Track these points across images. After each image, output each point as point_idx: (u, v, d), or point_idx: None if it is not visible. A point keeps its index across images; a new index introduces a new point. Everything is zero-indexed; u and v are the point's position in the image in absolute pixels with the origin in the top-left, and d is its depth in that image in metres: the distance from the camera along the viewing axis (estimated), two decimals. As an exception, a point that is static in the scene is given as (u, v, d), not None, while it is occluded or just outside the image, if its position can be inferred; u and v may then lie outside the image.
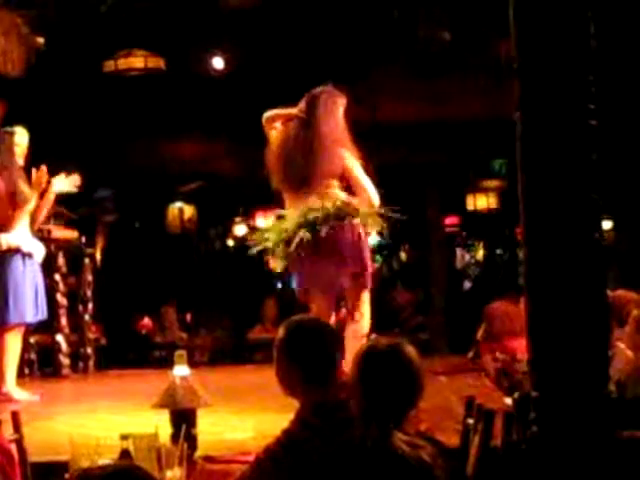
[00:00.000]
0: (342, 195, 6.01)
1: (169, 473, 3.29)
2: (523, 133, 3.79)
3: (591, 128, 3.74)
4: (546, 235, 3.76)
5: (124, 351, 11.28)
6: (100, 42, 10.25)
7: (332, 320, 5.89)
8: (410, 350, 3.05)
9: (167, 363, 5.91)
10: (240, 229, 15.30)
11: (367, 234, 6.09)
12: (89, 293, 9.02)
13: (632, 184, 11.93)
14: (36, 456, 3.99)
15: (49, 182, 6.89)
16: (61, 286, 8.47)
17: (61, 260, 8.53)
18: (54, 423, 5.51)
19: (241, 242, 15.35)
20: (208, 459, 4.07)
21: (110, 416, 5.68)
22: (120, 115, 11.54)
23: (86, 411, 5.98)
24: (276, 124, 6.20)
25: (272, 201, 6.64)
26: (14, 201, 6.71)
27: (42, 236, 7.76)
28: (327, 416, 3.08)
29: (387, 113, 11.06)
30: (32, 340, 8.38)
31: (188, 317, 13.28)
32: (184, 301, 13.16)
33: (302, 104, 6.16)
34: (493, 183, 14.18)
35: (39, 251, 6.91)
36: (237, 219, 15.34)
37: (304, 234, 5.79)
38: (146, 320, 12.59)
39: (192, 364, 4.20)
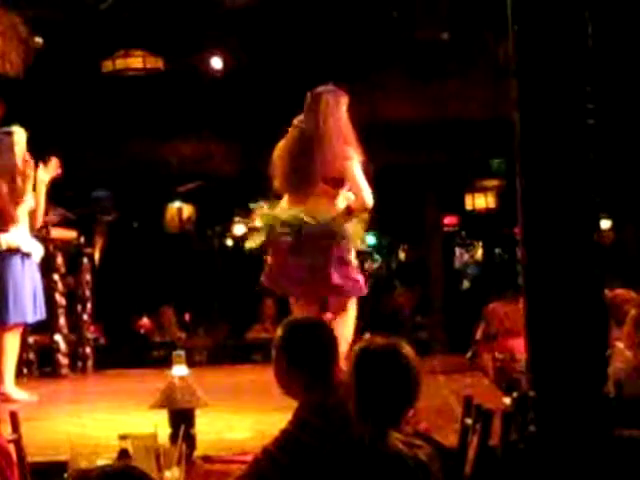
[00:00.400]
0: (336, 208, 5.99)
1: (168, 473, 3.29)
2: (521, 133, 3.80)
3: (589, 127, 3.75)
4: (544, 235, 3.77)
5: (123, 351, 11.27)
6: (98, 42, 10.25)
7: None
8: (407, 350, 3.05)
9: (166, 363, 5.91)
10: (239, 229, 15.29)
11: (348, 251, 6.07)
12: (88, 293, 9.01)
13: (630, 183, 11.94)
14: (35, 456, 3.98)
15: (35, 174, 6.88)
16: (60, 286, 8.47)
17: (60, 260, 8.52)
18: (53, 423, 5.50)
19: (240, 241, 15.37)
20: (207, 459, 4.07)
21: (109, 416, 5.68)
22: (118, 115, 11.55)
23: (85, 411, 5.98)
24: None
25: (271, 201, 6.64)
26: (14, 200, 6.71)
27: (41, 236, 7.77)
28: (325, 416, 3.09)
29: (386, 113, 11.07)
30: (31, 340, 8.37)
31: (187, 317, 13.27)
32: (183, 301, 13.15)
33: (305, 105, 6.15)
34: (492, 183, 14.19)
35: (38, 251, 6.91)
36: (236, 219, 15.33)
37: (288, 237, 5.82)
38: (145, 320, 12.59)
39: (191, 364, 4.21)
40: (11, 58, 8.38)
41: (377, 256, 16.59)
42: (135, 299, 13.03)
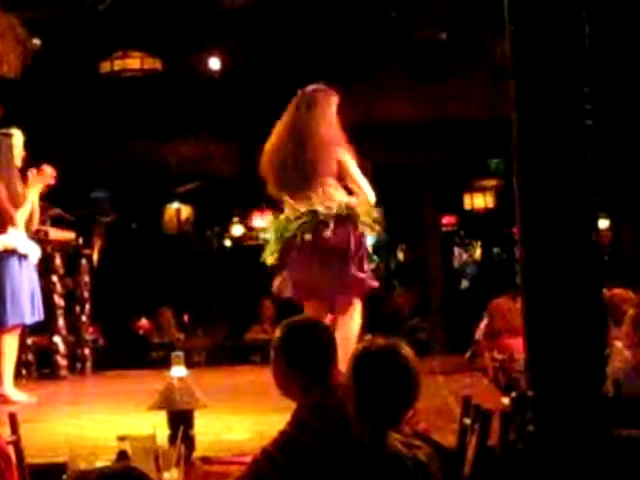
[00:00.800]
0: (342, 195, 5.98)
1: (167, 474, 3.29)
2: (519, 133, 3.80)
3: (586, 128, 3.75)
4: (542, 234, 3.77)
5: (121, 352, 11.26)
6: (96, 43, 10.25)
7: (327, 320, 5.88)
8: (406, 350, 3.05)
9: (164, 364, 5.91)
10: (237, 229, 15.30)
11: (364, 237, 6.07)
12: (86, 294, 9.01)
13: (628, 183, 11.94)
14: (33, 458, 3.98)
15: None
16: (58, 287, 8.46)
17: (58, 261, 8.52)
18: (51, 424, 5.50)
19: (238, 242, 15.37)
20: (205, 460, 4.07)
21: (108, 417, 5.68)
22: (117, 116, 11.55)
23: (84, 412, 5.98)
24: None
25: (269, 202, 6.64)
26: (12, 202, 6.71)
27: (39, 237, 7.76)
28: (324, 417, 3.09)
29: (385, 113, 11.07)
30: (29, 341, 8.37)
31: (185, 318, 13.27)
32: (181, 302, 13.15)
33: (293, 104, 6.13)
34: (490, 183, 14.19)
35: (35, 252, 6.91)
36: (234, 219, 15.34)
37: (305, 235, 5.78)
38: (143, 321, 12.58)
39: (189, 365, 4.21)
40: (9, 59, 8.38)
41: (375, 256, 16.57)
42: (134, 300, 13.03)
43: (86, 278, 9.03)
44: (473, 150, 12.34)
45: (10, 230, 6.71)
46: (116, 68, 10.28)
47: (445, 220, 14.85)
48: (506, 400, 4.99)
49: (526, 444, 3.65)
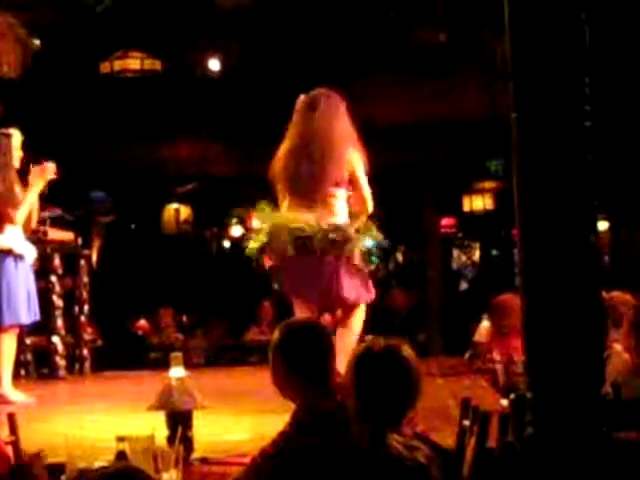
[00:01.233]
0: (343, 214, 5.99)
1: (165, 475, 3.29)
2: (518, 134, 3.80)
3: (586, 129, 3.75)
4: (542, 236, 3.76)
5: (120, 352, 11.26)
6: (96, 44, 10.26)
7: (325, 320, 5.90)
8: (408, 352, 3.05)
9: (163, 365, 5.90)
10: (236, 230, 15.30)
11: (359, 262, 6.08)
12: (85, 294, 9.01)
13: (628, 185, 11.94)
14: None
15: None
16: (57, 287, 8.46)
17: (57, 261, 8.52)
18: (50, 425, 5.50)
19: (237, 243, 15.37)
20: (204, 461, 4.07)
21: (106, 418, 5.68)
22: (116, 116, 11.54)
23: (82, 413, 5.97)
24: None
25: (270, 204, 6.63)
26: (10, 202, 6.71)
27: (38, 237, 7.76)
28: (323, 418, 3.08)
29: (383, 114, 11.06)
30: (28, 341, 8.37)
31: (184, 318, 13.27)
32: (180, 302, 13.14)
33: (299, 110, 6.11)
34: (489, 184, 14.18)
35: (30, 253, 6.90)
36: (233, 220, 15.33)
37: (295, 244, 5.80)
38: (142, 321, 12.57)
39: (188, 366, 4.21)
40: (9, 59, 8.37)
41: (374, 258, 16.55)
42: (132, 301, 13.02)
43: (85, 278, 9.03)
44: (472, 152, 12.35)
45: (7, 230, 6.71)
46: (116, 69, 10.29)
47: (444, 222, 14.84)
48: (505, 402, 4.99)
49: (525, 446, 3.65)
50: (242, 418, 5.50)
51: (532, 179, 3.78)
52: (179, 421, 3.90)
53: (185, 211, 14.65)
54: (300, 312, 5.86)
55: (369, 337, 3.37)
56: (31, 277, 6.88)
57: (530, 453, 3.63)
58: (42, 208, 7.44)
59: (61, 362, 8.38)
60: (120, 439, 3.24)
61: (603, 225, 13.10)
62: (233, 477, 3.16)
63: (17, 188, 6.76)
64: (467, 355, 8.65)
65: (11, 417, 3.83)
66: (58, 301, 8.47)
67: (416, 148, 11.90)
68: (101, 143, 11.88)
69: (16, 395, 6.62)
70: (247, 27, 10.51)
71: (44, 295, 7.97)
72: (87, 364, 8.92)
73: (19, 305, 6.68)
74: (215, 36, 10.91)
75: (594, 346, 3.73)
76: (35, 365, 8.53)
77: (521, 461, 3.65)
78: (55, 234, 8.45)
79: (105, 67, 10.35)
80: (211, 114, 11.51)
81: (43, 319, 7.44)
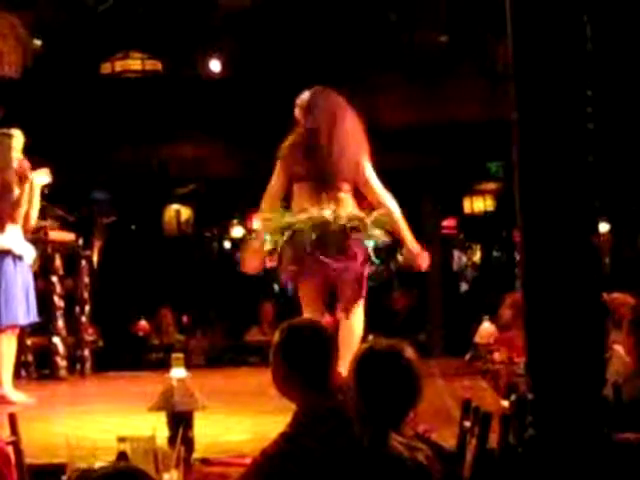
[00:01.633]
0: (352, 205, 6.04)
1: (166, 476, 3.29)
2: (520, 136, 3.80)
3: (587, 131, 3.75)
4: (543, 238, 3.77)
5: (121, 353, 11.26)
6: (97, 44, 10.26)
7: (327, 321, 5.91)
8: (410, 352, 3.06)
9: (164, 365, 5.91)
10: (237, 231, 15.30)
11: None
12: (86, 295, 9.01)
13: (629, 186, 11.94)
14: (33, 458, 3.98)
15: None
16: (58, 288, 8.47)
17: (58, 262, 8.52)
18: (51, 425, 5.50)
19: (238, 244, 15.36)
20: (205, 462, 4.07)
21: (107, 418, 5.68)
22: (117, 117, 11.55)
23: (83, 413, 5.98)
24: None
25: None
26: (9, 203, 6.71)
27: (39, 238, 7.76)
28: (324, 419, 3.08)
29: (384, 116, 11.06)
30: (29, 342, 8.37)
31: (185, 319, 13.27)
32: (181, 303, 13.15)
33: (307, 105, 6.12)
34: (490, 186, 14.19)
35: (29, 253, 6.90)
36: (234, 221, 15.34)
37: (314, 233, 5.82)
38: (143, 322, 12.58)
39: (189, 366, 4.20)
40: (10, 60, 8.39)
41: (375, 258, 16.54)
42: (133, 301, 13.02)
43: (86, 279, 9.04)
44: (473, 153, 12.34)
45: (7, 230, 6.70)
46: (117, 69, 10.30)
47: (445, 223, 14.84)
48: (506, 403, 4.99)
49: (526, 447, 3.65)
50: (243, 419, 5.51)
51: (533, 181, 3.78)
52: (180, 422, 3.90)
53: (186, 212, 14.65)
54: (308, 305, 5.89)
55: (371, 338, 3.37)
56: (30, 278, 6.87)
57: (531, 454, 3.63)
58: (42, 211, 7.44)
59: (62, 363, 8.38)
60: (121, 440, 3.24)
61: (604, 227, 13.10)
62: (234, 478, 3.16)
63: (16, 189, 6.76)
64: (468, 356, 8.66)
65: (12, 417, 3.82)
66: (59, 302, 8.47)
67: (417, 150, 11.89)
68: (102, 144, 11.88)
69: (17, 396, 6.62)
70: (248, 28, 10.51)
71: (45, 296, 7.98)
72: (88, 365, 8.93)
73: (17, 306, 6.67)
74: (216, 37, 10.91)
75: (595, 347, 3.73)
76: (36, 366, 8.53)
77: (522, 462, 3.65)
78: (56, 235, 8.46)
79: (106, 68, 10.35)
80: (212, 115, 11.51)
81: (44, 320, 7.44)
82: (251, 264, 6.19)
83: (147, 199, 14.00)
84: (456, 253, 17.24)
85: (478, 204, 14.25)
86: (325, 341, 3.27)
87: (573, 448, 3.60)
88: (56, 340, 8.36)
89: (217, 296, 14.01)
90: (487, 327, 8.65)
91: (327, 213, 5.86)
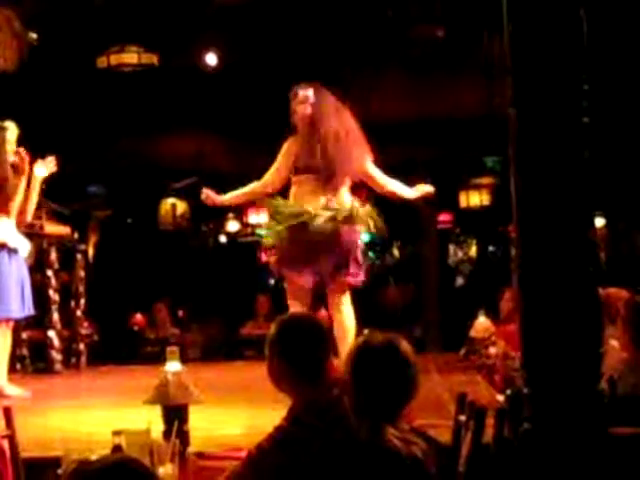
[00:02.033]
0: (349, 198, 6.09)
1: (161, 469, 3.28)
2: (516, 130, 3.80)
3: (584, 125, 3.75)
4: (538, 232, 3.77)
5: (116, 347, 11.27)
6: (93, 37, 10.23)
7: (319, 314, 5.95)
8: (405, 346, 3.06)
9: (159, 359, 5.90)
10: (233, 225, 15.30)
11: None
12: (81, 289, 9.01)
13: (625, 181, 11.95)
14: (28, 452, 3.98)
15: (31, 169, 6.85)
16: (53, 282, 8.46)
17: (53, 256, 8.52)
18: (46, 419, 5.50)
19: (234, 238, 15.36)
20: (200, 455, 4.06)
21: (102, 412, 5.68)
22: (113, 110, 11.53)
23: (78, 407, 5.98)
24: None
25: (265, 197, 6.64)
26: (4, 195, 6.69)
27: (34, 232, 7.75)
28: (319, 413, 3.08)
29: (380, 110, 11.04)
30: (24, 336, 8.37)
31: (180, 313, 13.27)
32: (176, 297, 13.14)
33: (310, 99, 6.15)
34: (486, 180, 14.18)
35: (24, 247, 6.88)
36: (230, 215, 15.33)
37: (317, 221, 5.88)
38: (138, 316, 12.58)
39: (184, 360, 4.20)
40: (5, 53, 8.36)
41: (371, 253, 16.60)
42: (129, 295, 13.02)
43: (81, 273, 9.04)
44: (469, 147, 12.34)
45: (2, 223, 6.69)
46: (113, 63, 10.27)
47: (441, 217, 14.83)
48: (501, 397, 5.00)
49: (521, 441, 3.66)
50: (238, 412, 5.51)
51: (529, 175, 3.78)
52: (175, 415, 3.90)
53: (182, 206, 14.63)
54: (294, 295, 5.93)
55: (366, 332, 3.37)
56: (25, 271, 6.85)
57: (526, 449, 3.64)
58: (39, 204, 7.43)
59: (57, 356, 8.38)
60: (116, 433, 3.24)
61: (600, 221, 13.11)
62: (229, 471, 3.16)
63: (11, 181, 6.74)
64: (463, 351, 8.67)
65: (7, 411, 3.82)
66: (54, 295, 8.47)
67: (413, 144, 11.89)
68: (98, 137, 11.87)
69: (12, 389, 6.62)
70: (245, 21, 10.49)
71: (40, 289, 7.97)
72: (83, 358, 8.93)
73: (11, 299, 6.65)
74: (213, 30, 10.89)
75: (590, 342, 3.74)
76: (31, 359, 8.53)
77: (517, 457, 3.65)
78: (51, 228, 8.45)
79: (102, 61, 10.32)
80: (208, 109, 11.50)
81: (39, 313, 7.43)
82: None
83: (143, 193, 13.98)
84: (452, 247, 17.25)
85: (474, 198, 14.25)
86: (320, 335, 3.27)
87: (568, 442, 3.60)
88: (51, 334, 8.35)
89: (212, 290, 14.00)
90: (482, 321, 8.66)
91: (322, 201, 5.92)
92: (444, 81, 11.09)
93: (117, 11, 9.81)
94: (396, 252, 16.62)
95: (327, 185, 6.04)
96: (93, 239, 13.49)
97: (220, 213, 15.38)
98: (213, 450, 4.22)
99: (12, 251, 6.73)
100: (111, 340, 11.39)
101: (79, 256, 9.07)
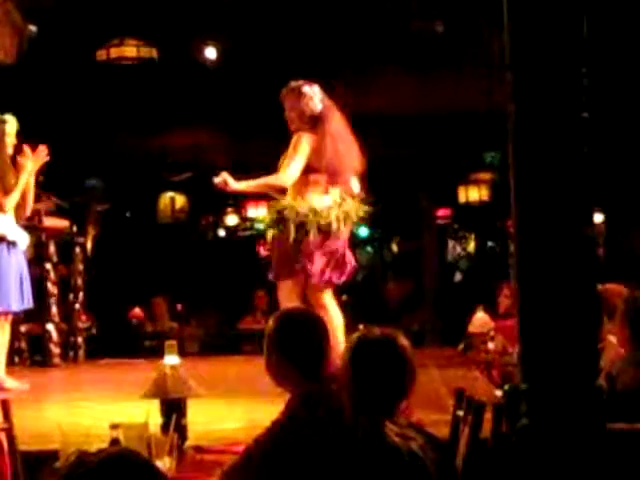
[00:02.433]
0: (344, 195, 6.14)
1: (159, 463, 3.29)
2: (515, 126, 3.80)
3: (583, 121, 3.75)
4: (537, 228, 3.76)
5: (115, 340, 11.26)
6: (93, 31, 10.22)
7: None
8: (403, 341, 3.06)
9: (158, 353, 5.91)
10: (232, 219, 15.30)
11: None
12: (80, 282, 9.01)
13: (624, 177, 11.95)
14: (26, 445, 3.98)
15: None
16: (52, 275, 8.46)
17: (52, 249, 8.51)
18: (44, 412, 5.50)
19: (232, 232, 15.37)
20: (198, 449, 4.07)
21: (100, 405, 5.68)
22: (112, 104, 11.52)
23: (76, 400, 5.98)
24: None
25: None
26: (2, 188, 6.69)
27: (33, 225, 7.75)
28: (317, 408, 3.08)
29: (379, 105, 11.05)
30: (23, 329, 8.37)
31: (179, 307, 13.28)
32: (175, 291, 13.15)
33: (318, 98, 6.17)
34: (485, 176, 14.19)
35: (24, 240, 6.88)
36: (228, 209, 15.33)
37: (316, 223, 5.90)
38: (137, 310, 12.58)
39: (182, 354, 4.20)
40: (5, 46, 8.35)
41: (369, 248, 16.60)
42: (127, 289, 13.02)
43: (80, 266, 9.04)
44: (468, 143, 12.34)
45: (1, 216, 6.69)
46: (112, 56, 10.27)
47: (440, 212, 14.85)
48: (499, 392, 5.00)
49: (519, 437, 3.66)
50: (236, 407, 5.51)
51: (528, 170, 3.78)
52: (173, 409, 3.90)
53: (180, 200, 14.64)
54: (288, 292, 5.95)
55: (361, 327, 3.37)
56: (24, 264, 6.85)
57: (524, 444, 3.64)
58: (38, 197, 7.42)
59: (55, 350, 8.38)
60: (114, 426, 3.24)
61: (598, 217, 13.11)
62: (227, 465, 3.16)
63: (10, 174, 6.74)
64: (461, 346, 8.68)
65: (5, 404, 3.82)
66: (53, 289, 8.47)
67: (412, 139, 11.89)
68: (97, 131, 11.86)
69: (10, 382, 6.62)
70: (245, 16, 10.48)
71: (39, 283, 7.97)
72: (81, 352, 8.93)
73: (10, 292, 6.65)
74: (212, 24, 10.88)
75: (588, 337, 3.74)
76: (29, 352, 8.53)
77: (515, 452, 3.66)
78: (50, 222, 8.44)
79: (101, 54, 10.32)
80: (207, 102, 11.49)
81: (38, 307, 7.43)
82: None
83: (142, 186, 13.98)
84: (450, 243, 17.26)
85: (473, 194, 14.26)
86: (318, 329, 3.27)
87: (566, 438, 3.60)
88: (50, 327, 8.35)
89: (211, 284, 14.01)
90: (481, 317, 8.67)
91: (328, 201, 5.95)
92: (443, 76, 11.08)
93: (117, 4, 9.80)
94: (395, 247, 16.64)
95: (334, 184, 6.06)
96: (92, 232, 13.49)
97: (219, 207, 15.39)
98: (211, 444, 4.23)
99: (11, 244, 6.73)
100: (109, 334, 11.38)
101: (78, 249, 9.06)
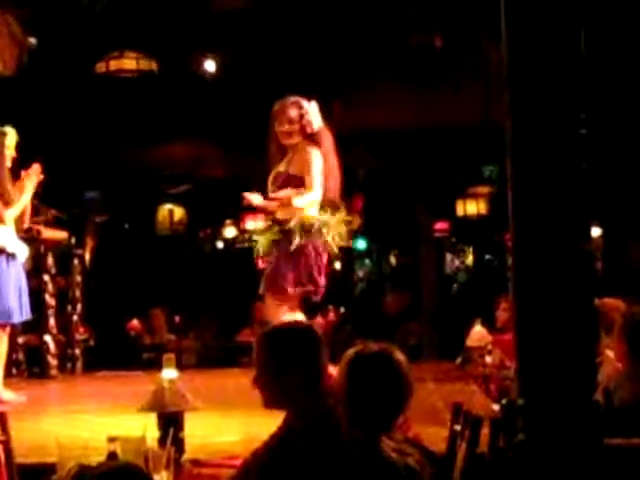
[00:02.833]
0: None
1: (156, 476, 3.28)
2: (513, 140, 3.80)
3: (581, 137, 3.76)
4: (535, 242, 3.77)
5: (112, 353, 11.25)
6: (92, 43, 10.25)
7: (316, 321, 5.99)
8: (399, 356, 3.05)
9: (155, 365, 5.91)
10: (229, 232, 15.31)
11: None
12: (78, 294, 9.01)
13: (622, 191, 11.97)
14: (23, 457, 3.98)
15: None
16: (50, 287, 8.46)
17: (50, 260, 8.51)
18: (41, 424, 5.49)
19: (230, 244, 15.37)
20: (195, 463, 4.06)
21: (97, 418, 5.67)
22: (111, 116, 11.54)
23: (74, 413, 5.97)
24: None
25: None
26: (3, 201, 6.69)
27: (31, 236, 7.75)
28: (315, 421, 3.08)
29: (378, 119, 11.07)
30: (20, 340, 8.37)
31: (177, 319, 13.27)
32: (173, 303, 13.14)
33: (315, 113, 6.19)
34: (483, 189, 14.21)
35: (23, 252, 6.88)
36: (227, 221, 15.34)
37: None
38: (135, 322, 12.57)
39: (180, 366, 4.20)
40: (4, 58, 8.37)
41: (367, 261, 16.61)
42: (125, 301, 13.01)
43: (78, 278, 9.04)
44: (467, 157, 12.36)
45: (0, 228, 6.69)
46: (112, 68, 10.29)
47: (438, 226, 14.86)
48: (497, 407, 4.99)
49: (516, 452, 3.66)
50: (234, 420, 5.51)
51: (526, 185, 3.78)
52: (170, 422, 3.89)
53: (179, 212, 14.65)
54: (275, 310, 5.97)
55: (358, 341, 3.37)
56: (23, 276, 6.85)
57: (521, 459, 3.63)
58: (36, 210, 7.43)
59: (53, 361, 8.37)
60: (111, 440, 3.23)
61: (596, 231, 13.13)
62: (224, 479, 3.15)
63: (10, 187, 6.74)
64: (459, 360, 8.66)
65: (2, 416, 3.81)
66: (51, 300, 8.47)
67: (411, 152, 11.90)
68: (95, 143, 11.87)
69: (7, 394, 6.61)
70: (244, 29, 10.51)
71: (37, 294, 7.97)
72: (79, 364, 8.92)
73: (9, 305, 6.66)
74: (211, 37, 10.91)
75: (586, 352, 3.74)
76: (27, 364, 8.53)
77: (512, 467, 3.65)
78: (49, 233, 8.44)
79: (101, 67, 10.35)
80: (206, 115, 11.51)
81: (36, 318, 7.43)
82: None
83: (140, 198, 13.99)
84: (449, 256, 17.27)
85: (471, 207, 14.27)
86: (315, 342, 3.26)
87: (563, 453, 3.60)
88: (47, 339, 8.35)
89: (209, 296, 14.00)
90: (478, 330, 8.65)
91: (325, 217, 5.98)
92: (442, 90, 11.11)
93: (116, 17, 9.83)
94: (393, 260, 16.64)
95: (326, 199, 6.09)
96: (90, 244, 13.50)
97: (217, 219, 15.41)
98: (208, 457, 4.22)
99: (10, 256, 6.73)
100: (107, 346, 11.38)
101: (76, 261, 9.06)
